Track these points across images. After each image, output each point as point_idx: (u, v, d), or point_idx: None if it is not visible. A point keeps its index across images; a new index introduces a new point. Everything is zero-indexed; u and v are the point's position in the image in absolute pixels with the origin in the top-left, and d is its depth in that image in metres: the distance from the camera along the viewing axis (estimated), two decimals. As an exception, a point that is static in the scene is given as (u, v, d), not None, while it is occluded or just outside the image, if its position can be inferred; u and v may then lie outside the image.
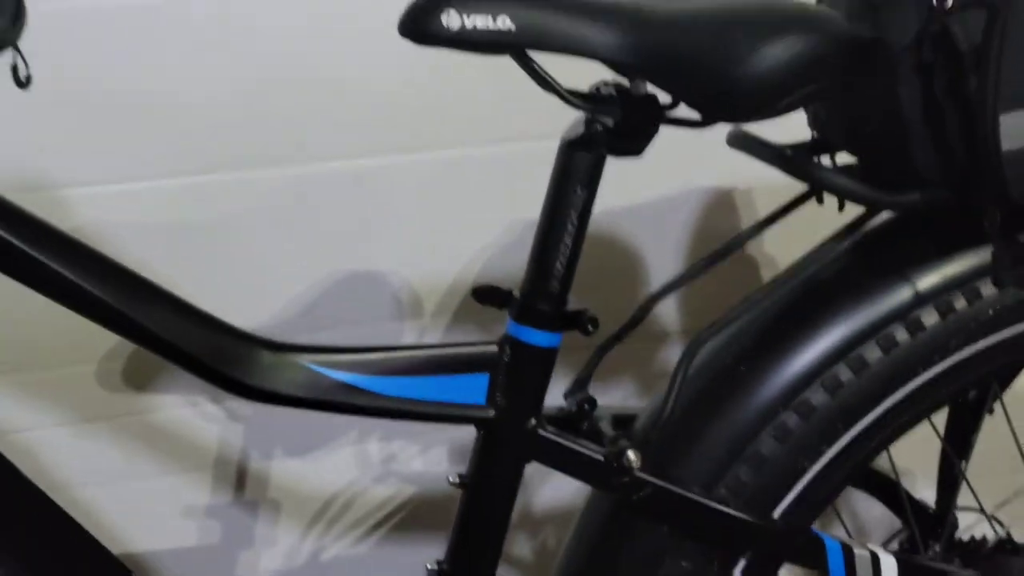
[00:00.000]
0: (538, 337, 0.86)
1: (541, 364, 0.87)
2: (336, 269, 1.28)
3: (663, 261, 1.44)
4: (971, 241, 0.92)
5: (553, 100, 1.24)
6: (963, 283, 0.91)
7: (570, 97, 0.81)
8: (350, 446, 1.37)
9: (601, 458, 0.87)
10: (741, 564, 0.93)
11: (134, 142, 1.16)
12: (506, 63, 1.18)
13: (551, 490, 1.43)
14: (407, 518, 1.42)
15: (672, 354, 1.47)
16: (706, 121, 0.83)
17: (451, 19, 0.74)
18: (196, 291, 1.20)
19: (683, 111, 0.85)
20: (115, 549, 1.23)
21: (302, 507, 1.37)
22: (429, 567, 0.92)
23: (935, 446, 1.14)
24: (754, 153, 0.91)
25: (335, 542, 1.39)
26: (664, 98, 0.84)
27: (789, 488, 0.91)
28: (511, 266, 1.36)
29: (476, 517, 0.89)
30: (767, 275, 1.46)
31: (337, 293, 1.29)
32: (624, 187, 1.30)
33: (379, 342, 1.30)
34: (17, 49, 0.71)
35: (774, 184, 1.40)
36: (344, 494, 1.38)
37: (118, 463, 1.27)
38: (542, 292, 0.85)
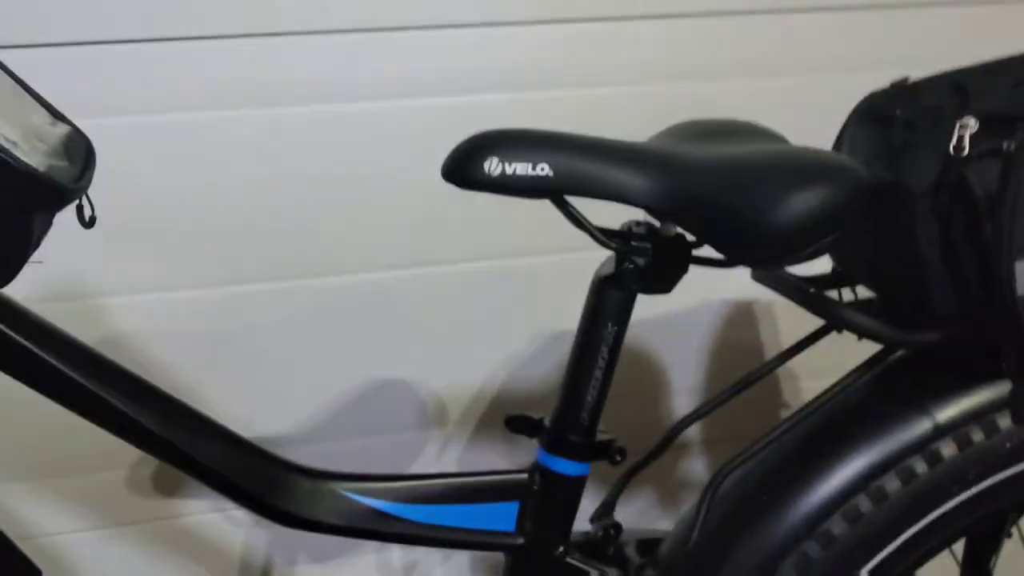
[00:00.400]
0: (568, 467, 0.88)
1: (570, 493, 0.89)
2: (362, 379, 1.31)
3: (685, 373, 1.46)
4: (988, 375, 0.94)
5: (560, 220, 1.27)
6: (980, 416, 0.93)
7: (603, 239, 0.84)
8: (372, 553, 1.38)
9: (626, 586, 0.89)
10: None
11: (167, 252, 1.19)
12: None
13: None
14: (428, 627, 1.42)
15: (690, 465, 1.49)
16: (730, 263, 0.86)
17: (493, 166, 0.77)
18: (223, 398, 1.23)
19: (711, 251, 0.88)
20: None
21: (325, 614, 1.37)
22: None
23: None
24: (776, 288, 0.93)
25: (358, 650, 1.39)
26: (692, 237, 0.88)
27: (812, 618, 0.92)
28: (533, 376, 1.38)
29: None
30: (790, 388, 1.47)
31: (362, 402, 1.31)
32: (645, 299, 1.34)
33: (402, 451, 1.34)
34: (86, 194, 0.74)
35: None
36: (367, 601, 1.38)
37: (146, 568, 1.29)
38: (572, 423, 0.88)
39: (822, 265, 1.02)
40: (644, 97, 1.28)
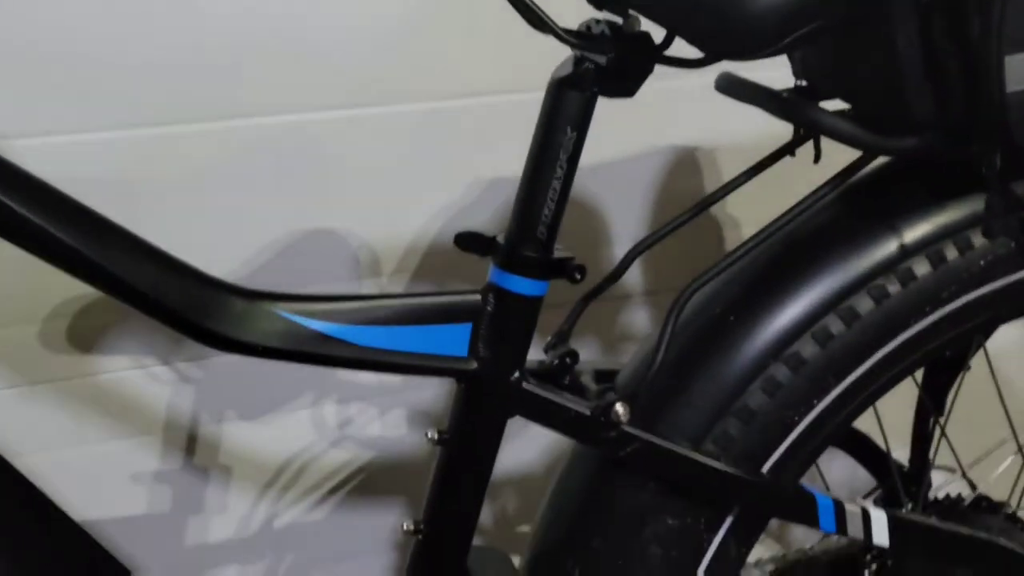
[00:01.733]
0: (524, 285, 0.83)
1: (526, 314, 0.84)
2: (293, 227, 1.25)
3: (626, 221, 1.42)
4: (961, 190, 0.90)
5: (516, 54, 1.21)
6: (955, 232, 0.89)
7: (563, 34, 0.77)
8: (305, 409, 1.34)
9: (588, 412, 0.84)
10: (728, 521, 0.90)
11: (83, 92, 1.11)
12: (473, 12, 1.15)
13: (511, 453, 1.40)
14: (364, 483, 1.39)
15: (638, 315, 1.46)
16: (704, 61, 0.79)
17: None
18: None
19: (677, 51, 0.82)
20: (60, 517, 1.22)
21: (255, 473, 1.33)
22: (406, 527, 0.88)
23: (905, 407, 1.13)
24: (746, 98, 0.88)
25: (289, 508, 1.36)
26: (658, 37, 0.81)
27: (778, 443, 0.89)
28: (470, 225, 1.32)
29: (456, 474, 0.86)
30: (733, 237, 1.44)
31: (291, 255, 1.25)
32: (587, 147, 1.30)
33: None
34: None
35: (739, 144, 1.39)
36: (299, 459, 1.35)
37: (63, 428, 1.23)
38: (528, 238, 0.82)
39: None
40: None
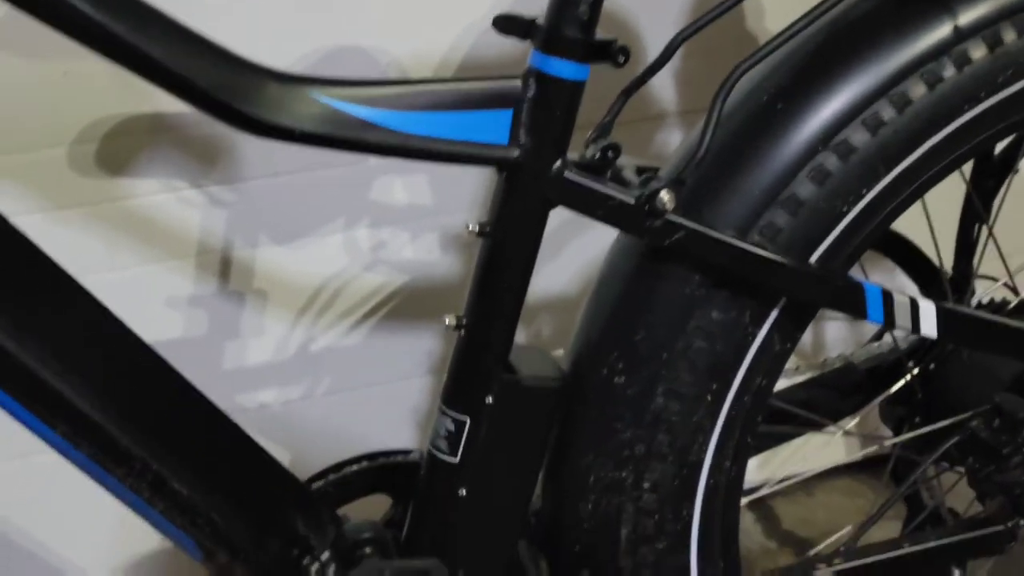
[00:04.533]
0: (565, 68, 0.80)
1: (568, 99, 0.81)
2: (317, 44, 1.22)
3: (666, 13, 1.37)
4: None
5: None
6: (1013, 13, 0.85)
7: None
8: (338, 233, 1.32)
9: (632, 200, 0.82)
10: (774, 314, 0.88)
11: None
12: None
13: (545, 278, 1.38)
14: (398, 307, 1.38)
15: (670, 136, 1.42)
16: None
17: None
18: None
19: None
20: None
21: (290, 296, 1.32)
22: (448, 322, 0.87)
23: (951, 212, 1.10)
24: None
25: (325, 332, 1.35)
26: None
27: (826, 234, 0.87)
28: (503, 43, 1.30)
29: (498, 266, 0.84)
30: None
31: (319, 69, 1.21)
32: None
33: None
34: None
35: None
36: (333, 283, 1.34)
37: (96, 252, 1.22)
38: (570, 18, 0.79)
39: None
40: None
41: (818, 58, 0.86)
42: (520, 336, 1.45)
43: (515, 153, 0.81)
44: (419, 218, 1.35)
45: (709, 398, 0.89)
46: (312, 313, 1.35)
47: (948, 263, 1.14)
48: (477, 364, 0.87)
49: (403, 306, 1.38)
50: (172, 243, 1.25)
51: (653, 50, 1.34)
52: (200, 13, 1.10)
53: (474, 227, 0.84)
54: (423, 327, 1.41)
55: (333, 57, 1.23)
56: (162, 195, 1.23)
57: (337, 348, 1.37)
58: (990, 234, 1.06)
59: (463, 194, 1.30)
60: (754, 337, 0.88)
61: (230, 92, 0.73)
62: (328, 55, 1.23)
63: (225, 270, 1.28)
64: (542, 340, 1.47)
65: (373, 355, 1.38)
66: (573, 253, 1.40)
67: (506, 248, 0.84)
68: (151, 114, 1.19)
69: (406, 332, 1.39)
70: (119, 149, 1.21)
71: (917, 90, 0.86)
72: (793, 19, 0.84)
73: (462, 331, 0.87)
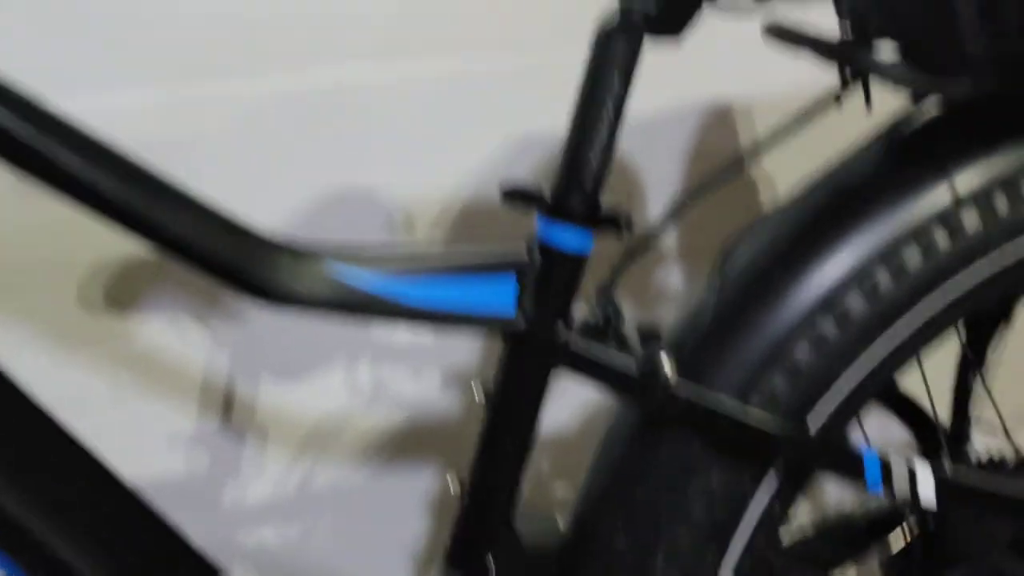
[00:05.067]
0: (570, 239, 0.81)
1: (573, 268, 0.83)
2: (323, 187, 1.24)
3: (658, 179, 1.41)
4: (1013, 137, 0.88)
5: (546, 13, 1.20)
6: (1006, 183, 0.87)
7: None
8: (340, 371, 1.34)
9: (634, 367, 0.83)
10: (772, 477, 0.89)
11: (104, 49, 1.11)
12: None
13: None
14: (399, 444, 1.39)
15: (670, 275, 1.44)
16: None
17: None
18: None
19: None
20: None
21: (291, 434, 1.33)
22: (452, 489, 0.88)
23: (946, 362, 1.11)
24: (794, 43, 0.86)
25: (325, 469, 1.36)
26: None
27: (823, 397, 0.87)
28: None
29: (502, 432, 0.85)
30: (769, 195, 1.43)
31: (324, 213, 1.25)
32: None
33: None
34: None
35: (773, 100, 1.38)
36: (334, 420, 1.35)
37: (100, 391, 1.23)
38: (575, 189, 0.81)
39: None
40: None
41: (815, 224, 0.88)
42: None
43: (519, 321, 0.82)
44: (420, 356, 1.37)
45: (709, 559, 0.89)
46: (312, 450, 1.35)
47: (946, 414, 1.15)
48: (480, 525, 0.88)
49: (403, 444, 1.39)
50: (175, 380, 1.26)
51: (655, 201, 1.39)
52: (209, 156, 1.18)
53: (479, 392, 0.85)
54: (423, 465, 1.42)
55: (339, 199, 1.25)
56: (166, 333, 1.24)
57: (337, 486, 1.37)
58: (984, 386, 1.07)
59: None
60: (753, 499, 0.89)
61: (242, 263, 0.74)
62: (334, 197, 1.25)
63: (227, 407, 1.29)
64: (541, 475, 1.47)
65: (372, 493, 1.39)
66: (575, 388, 1.41)
67: (510, 413, 0.85)
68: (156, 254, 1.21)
69: (406, 470, 1.40)
70: (125, 288, 1.22)
71: (912, 256, 0.87)
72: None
73: (465, 495, 0.87)
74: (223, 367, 1.28)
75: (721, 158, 1.43)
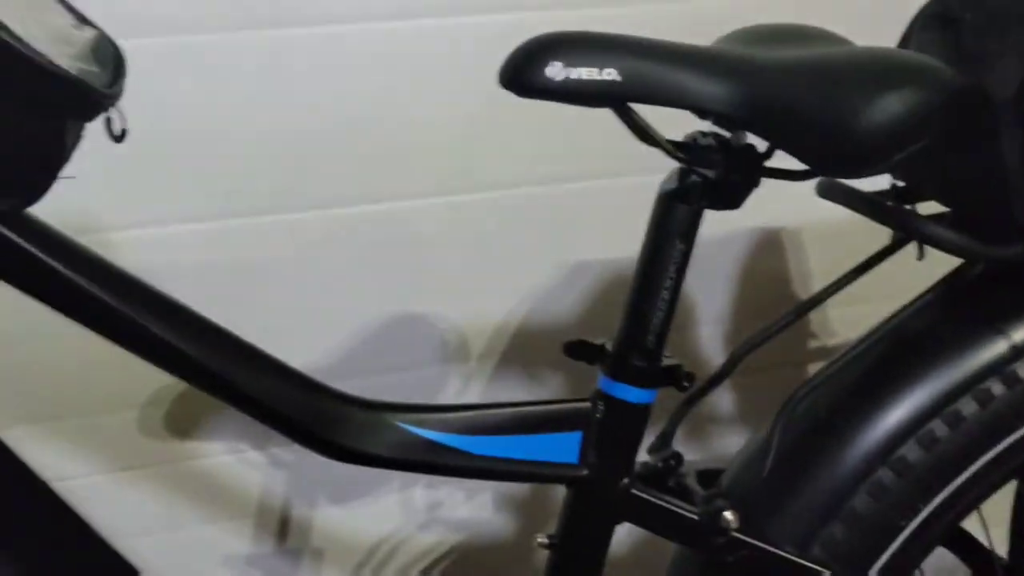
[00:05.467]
0: (633, 394, 0.84)
1: (635, 421, 0.85)
2: (378, 313, 1.26)
3: (710, 304, 1.42)
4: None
5: (598, 141, 1.23)
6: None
7: (671, 149, 0.78)
8: (394, 493, 1.34)
9: (697, 518, 0.85)
10: (836, 626, 0.90)
11: (172, 184, 1.14)
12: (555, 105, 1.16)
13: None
14: (452, 566, 1.39)
15: (722, 398, 1.44)
16: (809, 174, 0.81)
17: (556, 71, 0.72)
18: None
19: (782, 162, 0.83)
20: (156, 601, 1.23)
21: (346, 555, 1.34)
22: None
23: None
24: (847, 203, 0.89)
25: (379, 591, 1.35)
26: (762, 148, 0.82)
27: (885, 547, 0.89)
28: (557, 308, 1.34)
29: (566, 578, 0.86)
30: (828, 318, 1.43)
31: (380, 338, 1.26)
32: None
33: (423, 388, 1.30)
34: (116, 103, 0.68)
35: (822, 225, 1.40)
36: (388, 542, 1.35)
37: (159, 512, 1.24)
38: (637, 347, 0.83)
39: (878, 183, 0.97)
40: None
41: (873, 377, 0.89)
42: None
43: (584, 472, 0.84)
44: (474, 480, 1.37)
45: None
46: (367, 572, 1.35)
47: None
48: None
49: (456, 565, 1.39)
50: (233, 503, 1.27)
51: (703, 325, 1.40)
52: (270, 284, 1.20)
53: (543, 539, 0.87)
54: None
55: (393, 325, 1.27)
56: (226, 456, 1.26)
57: None
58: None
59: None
60: None
61: (317, 422, 0.77)
62: (389, 323, 1.27)
63: (283, 529, 1.30)
64: None
65: None
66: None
67: (573, 561, 0.86)
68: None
69: None
70: (187, 412, 1.24)
71: (969, 408, 0.89)
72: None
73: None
74: (280, 489, 1.29)
75: (770, 283, 1.44)
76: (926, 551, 0.92)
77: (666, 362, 0.84)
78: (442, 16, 1.19)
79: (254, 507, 1.29)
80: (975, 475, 0.90)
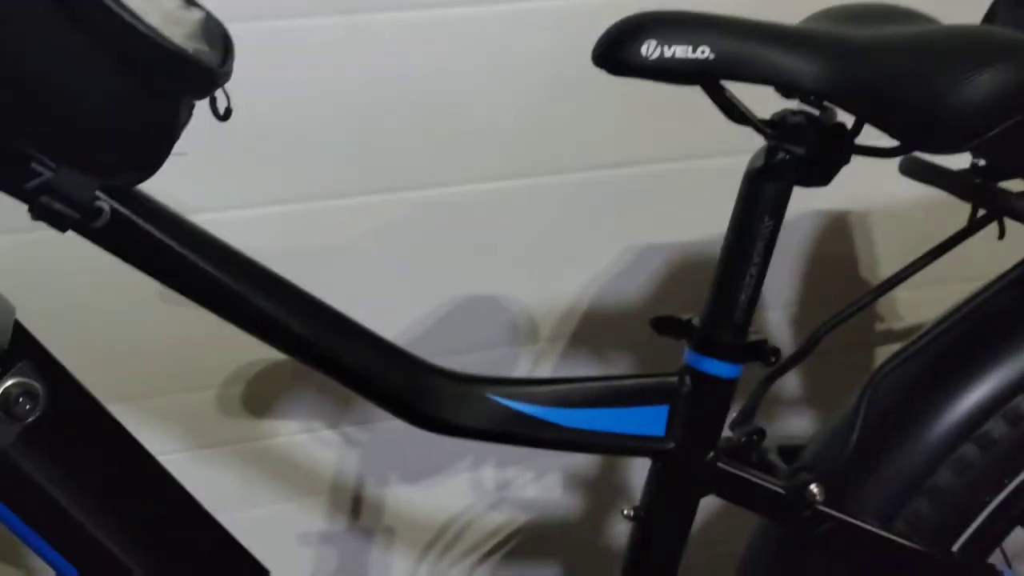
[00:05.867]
0: (720, 368, 0.85)
1: (722, 395, 0.86)
2: (449, 296, 1.27)
3: (777, 287, 1.41)
4: None
5: (668, 123, 1.23)
6: None
7: (761, 126, 0.79)
8: (465, 472, 1.35)
9: (782, 491, 0.86)
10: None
11: (243, 168, 1.14)
12: (625, 87, 1.17)
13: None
14: (521, 545, 1.40)
15: (792, 378, 1.43)
16: (899, 150, 0.81)
17: (651, 49, 0.73)
18: None
19: (872, 139, 0.84)
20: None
21: (417, 534, 1.35)
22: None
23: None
24: (932, 181, 0.89)
25: (449, 568, 1.37)
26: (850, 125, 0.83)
27: (968, 522, 0.89)
28: (626, 290, 1.35)
29: (650, 552, 0.88)
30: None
31: (450, 321, 1.27)
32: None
33: (494, 370, 1.31)
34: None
35: (889, 206, 1.39)
36: (459, 521, 1.37)
37: (234, 490, 1.26)
38: (725, 322, 0.84)
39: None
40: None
41: (958, 353, 0.90)
42: None
43: (671, 445, 0.85)
44: (543, 457, 1.37)
45: None
46: (437, 550, 1.37)
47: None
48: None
49: (525, 545, 1.40)
50: (307, 481, 1.28)
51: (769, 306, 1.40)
52: (339, 269, 1.19)
53: (628, 511, 0.88)
54: (546, 563, 1.43)
55: (466, 307, 1.28)
56: (301, 435, 1.27)
57: None
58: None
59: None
60: None
61: (413, 395, 0.78)
62: (460, 305, 1.28)
63: (356, 508, 1.31)
64: None
65: None
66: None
67: (658, 533, 0.87)
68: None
69: (529, 569, 1.41)
70: (264, 392, 1.26)
71: (1055, 384, 0.89)
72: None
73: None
74: (353, 468, 1.30)
75: (837, 268, 1.44)
76: (1009, 528, 0.91)
77: (752, 337, 0.85)
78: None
79: (327, 486, 1.30)
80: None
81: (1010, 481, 0.88)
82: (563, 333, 1.33)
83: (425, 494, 1.34)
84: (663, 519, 0.87)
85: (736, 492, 0.86)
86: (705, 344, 0.84)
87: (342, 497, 1.30)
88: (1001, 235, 0.94)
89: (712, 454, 0.85)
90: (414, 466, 1.33)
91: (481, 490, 1.37)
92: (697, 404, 0.84)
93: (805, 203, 1.35)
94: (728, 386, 0.85)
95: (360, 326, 0.79)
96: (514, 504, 1.38)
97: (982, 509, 0.89)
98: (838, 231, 1.42)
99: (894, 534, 0.87)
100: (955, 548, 0.89)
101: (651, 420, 0.84)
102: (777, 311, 1.42)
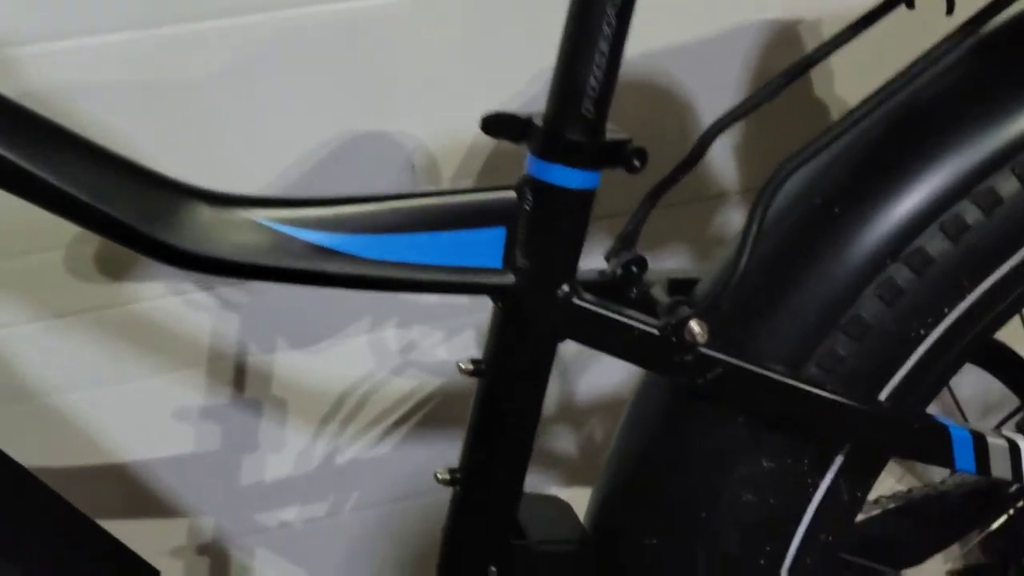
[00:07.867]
0: (570, 176, 0.67)
1: (574, 212, 0.68)
2: (337, 132, 1.14)
3: (719, 107, 1.26)
4: None
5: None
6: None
7: None
8: (363, 334, 1.24)
9: (656, 331, 0.69)
10: (838, 462, 0.75)
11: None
12: None
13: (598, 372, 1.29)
14: (431, 413, 1.30)
15: (728, 217, 1.31)
16: None
17: None
18: (171, 161, 1.05)
19: None
20: (102, 460, 1.15)
21: (311, 405, 1.25)
22: (439, 476, 0.74)
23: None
24: None
25: (351, 443, 1.28)
26: None
27: (900, 363, 0.73)
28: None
29: (496, 412, 0.72)
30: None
31: (339, 161, 1.15)
32: (667, 26, 1.13)
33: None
34: None
35: (845, 14, 1.23)
36: (359, 389, 1.26)
37: (98, 363, 1.15)
38: (572, 117, 0.66)
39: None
40: None
41: (883, 151, 0.73)
42: (568, 442, 1.36)
43: (511, 279, 0.68)
44: (453, 316, 1.27)
45: (763, 562, 0.75)
46: (337, 422, 1.27)
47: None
48: (476, 527, 0.74)
49: (437, 412, 1.29)
50: (181, 351, 1.18)
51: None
52: (209, 99, 1.06)
53: (466, 365, 0.71)
54: (460, 434, 1.31)
55: (353, 144, 1.15)
56: (168, 298, 1.16)
57: (365, 460, 1.29)
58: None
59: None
60: (816, 488, 0.76)
61: (146, 220, 0.62)
62: (348, 141, 1.15)
63: (239, 378, 1.21)
64: (594, 447, 1.35)
65: (405, 467, 1.30)
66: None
67: (506, 389, 0.72)
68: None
69: (441, 440, 1.30)
70: (119, 249, 1.13)
71: (1008, 185, 0.72)
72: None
73: (457, 487, 0.74)
74: (233, 334, 1.19)
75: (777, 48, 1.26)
76: (952, 369, 0.75)
77: (611, 136, 0.67)
78: None
79: (205, 355, 1.19)
80: (1015, 270, 0.73)
81: (951, 310, 0.72)
82: (466, 173, 1.20)
83: (318, 360, 1.23)
84: (510, 372, 0.71)
85: (598, 335, 0.69)
86: (549, 147, 0.67)
87: (223, 366, 1.20)
88: (949, 10, 0.76)
89: (566, 288, 0.68)
90: (303, 329, 1.22)
91: (383, 353, 1.26)
92: (542, 225, 0.68)
93: (744, 13, 1.21)
94: (581, 200, 0.68)
95: (72, 133, 0.62)
96: (421, 368, 1.28)
97: (916, 347, 0.73)
98: (787, 43, 1.26)
99: (804, 381, 0.70)
100: (884, 396, 0.72)
101: (484, 247, 0.68)
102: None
